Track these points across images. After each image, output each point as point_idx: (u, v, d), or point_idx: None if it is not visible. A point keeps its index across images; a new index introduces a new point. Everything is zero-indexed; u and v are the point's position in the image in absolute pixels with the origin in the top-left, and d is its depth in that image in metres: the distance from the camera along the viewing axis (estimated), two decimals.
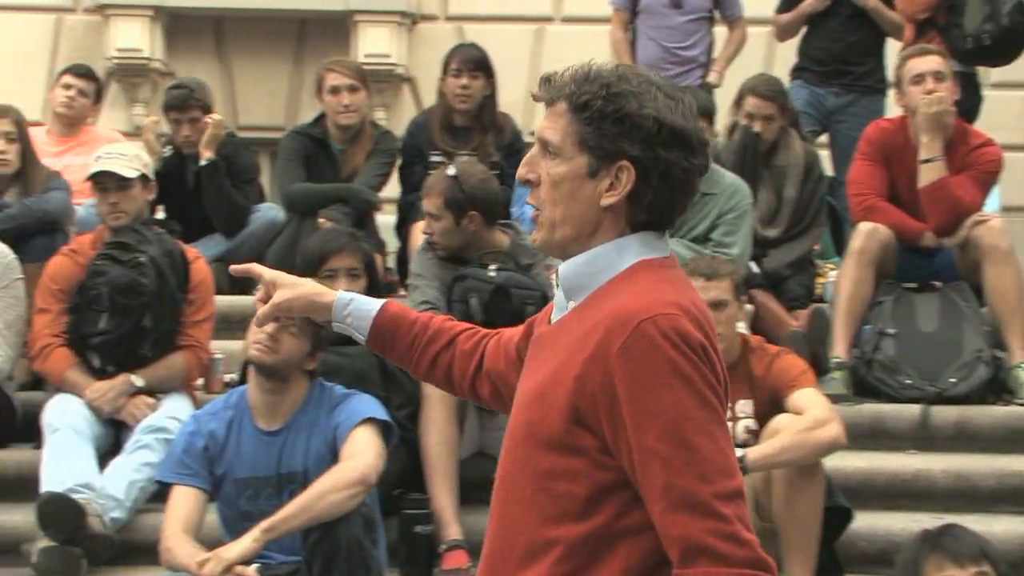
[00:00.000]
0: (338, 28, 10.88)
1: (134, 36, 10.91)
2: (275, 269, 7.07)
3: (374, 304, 2.80)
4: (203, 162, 7.05)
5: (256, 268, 2.85)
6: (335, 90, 6.99)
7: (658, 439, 2.28)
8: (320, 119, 7.16)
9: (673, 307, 2.34)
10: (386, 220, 7.18)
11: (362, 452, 4.66)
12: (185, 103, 7.11)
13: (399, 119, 10.35)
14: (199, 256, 6.09)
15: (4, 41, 11.03)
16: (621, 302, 2.36)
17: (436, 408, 5.42)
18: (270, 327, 4.61)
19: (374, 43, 10.70)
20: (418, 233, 6.38)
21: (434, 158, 6.96)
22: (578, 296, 2.45)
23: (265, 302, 2.79)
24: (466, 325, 2.84)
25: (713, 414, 2.31)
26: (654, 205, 2.42)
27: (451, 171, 5.76)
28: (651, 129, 2.38)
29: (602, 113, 2.38)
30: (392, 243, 7.26)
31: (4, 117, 6.49)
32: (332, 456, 4.71)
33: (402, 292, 6.94)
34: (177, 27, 11.16)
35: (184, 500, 4.74)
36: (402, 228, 7.17)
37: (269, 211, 7.31)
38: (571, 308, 2.46)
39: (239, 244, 7.18)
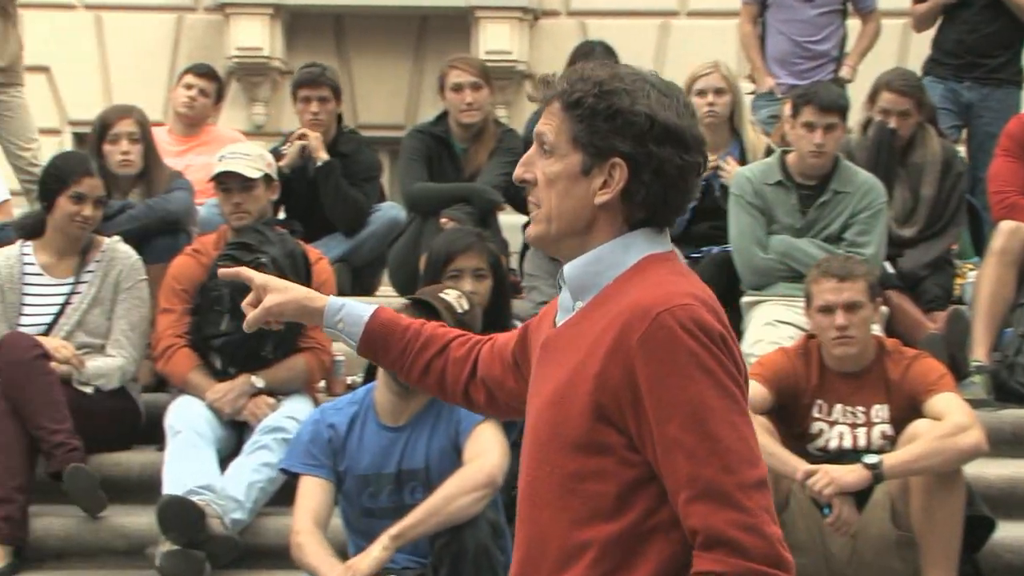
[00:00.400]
0: (459, 24, 10.92)
1: (254, 35, 11.05)
2: (397, 269, 7.13)
3: (366, 310, 2.80)
4: (319, 163, 7.11)
5: (246, 272, 2.86)
6: (458, 88, 7.01)
7: (681, 430, 2.31)
8: (442, 117, 7.19)
9: (690, 297, 2.36)
10: (509, 220, 7.18)
11: (487, 452, 4.64)
12: (316, 80, 7.19)
13: (520, 117, 10.35)
14: (321, 257, 6.14)
15: (125, 41, 11.23)
16: (637, 295, 2.38)
17: None
18: None
19: (495, 39, 10.73)
20: None
21: None
22: (585, 296, 2.47)
23: (255, 306, 2.79)
24: (458, 332, 2.86)
25: (735, 404, 2.34)
26: (648, 202, 2.44)
27: None
28: (643, 126, 2.40)
29: (594, 110, 2.41)
30: (516, 243, 7.26)
31: (127, 117, 6.59)
32: (454, 452, 4.70)
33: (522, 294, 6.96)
34: (297, 25, 11.28)
35: (313, 492, 4.73)
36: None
37: (390, 210, 7.35)
38: (579, 308, 2.48)
39: (360, 244, 7.23)
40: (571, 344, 2.45)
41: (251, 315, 2.80)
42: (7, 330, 5.68)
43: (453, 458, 4.69)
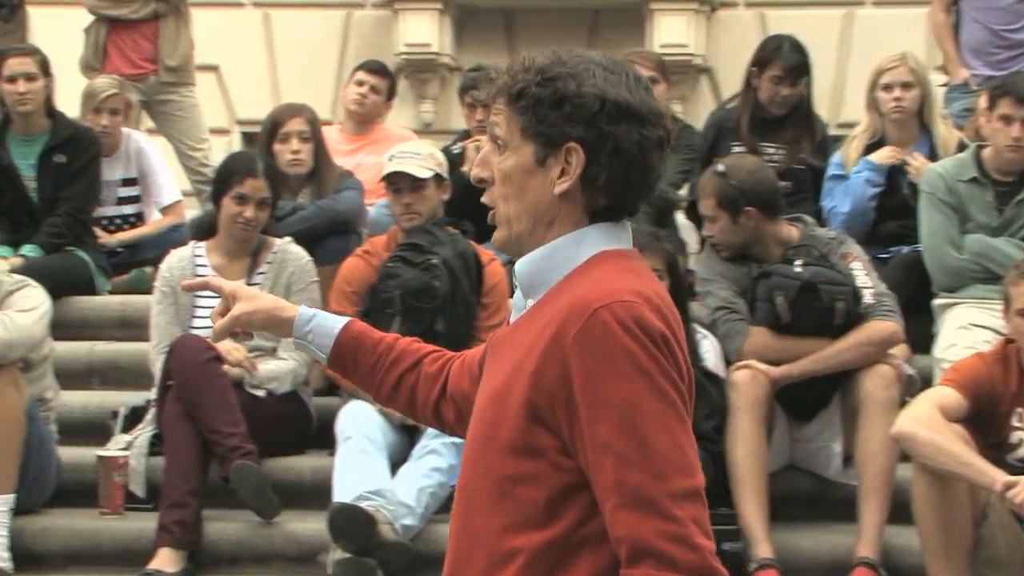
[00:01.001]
0: (633, 17, 10.89)
1: (423, 30, 11.13)
2: None
3: (338, 321, 2.75)
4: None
5: (214, 281, 2.84)
6: None
7: (611, 433, 2.24)
8: None
9: (633, 295, 2.30)
10: (682, 222, 7.13)
11: None
12: (481, 85, 7.21)
13: (696, 112, 10.30)
14: (494, 258, 6.15)
15: (294, 38, 11.41)
16: (579, 291, 2.32)
17: (743, 419, 5.37)
18: None
19: (671, 32, 10.68)
20: None
21: (736, 149, 6.89)
22: (536, 293, 2.42)
23: (223, 315, 2.76)
24: (432, 347, 2.80)
25: (672, 409, 2.27)
26: (610, 186, 2.38)
27: (720, 168, 5.70)
28: (592, 106, 2.35)
29: (538, 99, 2.37)
30: (694, 243, 7.21)
31: (298, 116, 6.68)
32: None
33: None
34: (466, 20, 11.35)
35: None
36: None
37: None
38: (529, 306, 2.43)
39: None
40: (515, 343, 2.39)
41: (218, 324, 2.77)
42: (180, 332, 5.80)
43: None
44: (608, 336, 2.26)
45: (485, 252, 6.07)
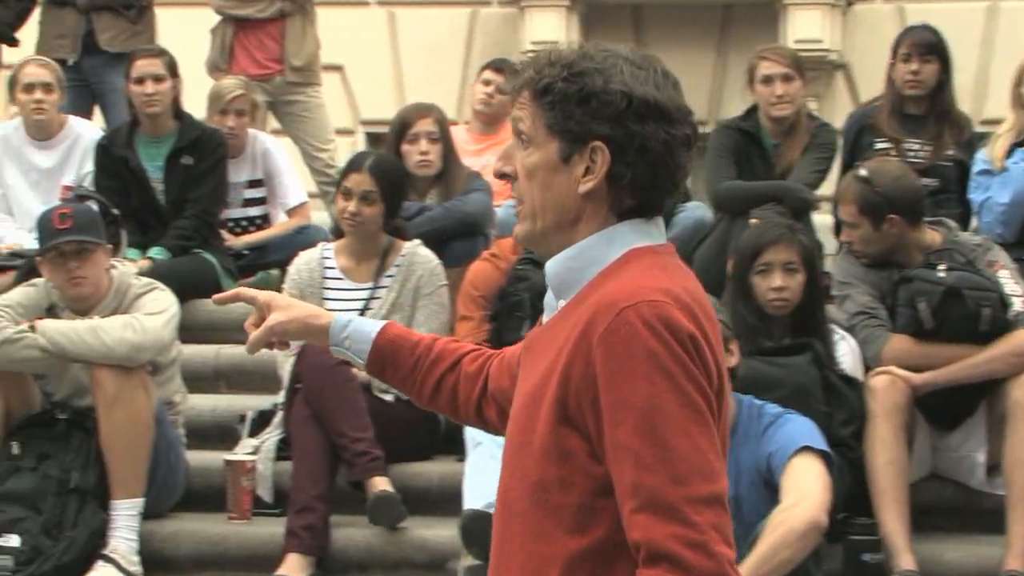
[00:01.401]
0: (766, 13, 10.81)
1: (550, 28, 11.12)
2: (704, 272, 7.12)
3: (374, 326, 2.77)
4: None
5: (247, 292, 2.84)
6: (768, 80, 6.93)
7: (631, 434, 2.23)
8: (751, 112, 7.12)
9: (661, 294, 2.28)
10: (824, 220, 7.06)
11: (809, 494, 4.46)
12: None
13: (832, 110, 10.20)
14: None
15: (418, 37, 11.47)
16: (608, 289, 2.32)
17: (883, 426, 5.30)
18: None
19: (805, 28, 10.58)
20: None
21: (879, 145, 6.81)
22: (567, 294, 2.41)
23: (258, 327, 2.76)
24: (471, 346, 2.81)
25: (695, 413, 2.25)
26: (636, 185, 2.37)
27: (862, 172, 5.62)
28: (620, 104, 2.34)
29: (565, 95, 2.36)
30: (831, 245, 7.14)
31: (427, 116, 6.70)
32: (764, 485, 4.60)
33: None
34: (594, 17, 11.33)
35: None
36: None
37: (696, 210, 7.30)
38: (561, 307, 2.42)
39: None
40: (547, 345, 2.39)
41: (254, 335, 2.78)
42: None
43: (764, 491, 4.56)
44: (632, 336, 2.25)
45: None
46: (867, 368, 5.57)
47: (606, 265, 2.37)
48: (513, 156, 2.45)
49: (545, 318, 2.48)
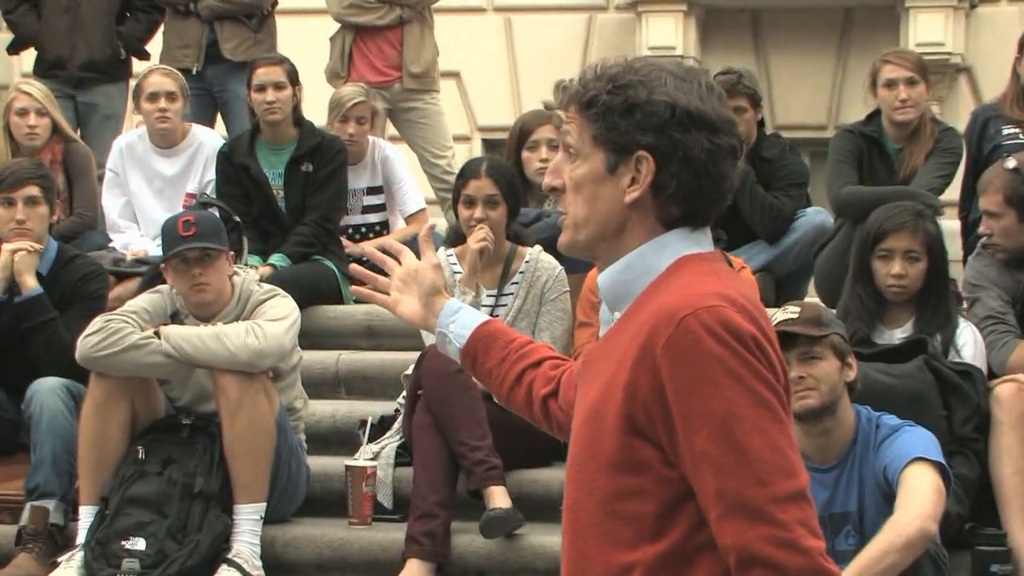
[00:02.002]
0: (887, 16, 10.71)
1: (667, 33, 11.11)
2: (825, 278, 7.00)
3: (480, 317, 2.89)
4: None
5: (393, 243, 3.02)
6: (891, 84, 6.85)
7: (708, 442, 2.26)
8: (874, 116, 7.04)
9: (718, 298, 2.31)
10: (950, 225, 6.97)
11: (919, 503, 4.39)
12: (732, 90, 7.15)
13: (955, 113, 10.07)
14: (744, 266, 6.11)
15: (535, 43, 11.50)
16: (664, 299, 2.35)
17: (1009, 435, 5.22)
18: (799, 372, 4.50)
19: (927, 31, 10.47)
20: None
21: (1007, 130, 6.70)
22: (622, 305, 2.46)
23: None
24: (558, 354, 2.89)
25: (768, 411, 2.28)
26: (681, 195, 2.40)
27: (1010, 163, 5.55)
28: (663, 114, 2.39)
29: (609, 106, 2.41)
30: (953, 251, 7.04)
31: (547, 124, 6.71)
32: (883, 496, 4.54)
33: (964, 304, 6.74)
34: (712, 22, 11.30)
35: None
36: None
37: (816, 216, 7.25)
38: (616, 319, 2.46)
39: (784, 252, 7.16)
40: (606, 357, 2.42)
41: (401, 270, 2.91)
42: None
43: (885, 502, 4.49)
44: (696, 345, 2.28)
45: (736, 260, 6.02)
46: (991, 375, 5.48)
47: (657, 274, 2.42)
48: (562, 170, 2.49)
49: (602, 332, 2.50)
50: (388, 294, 2.92)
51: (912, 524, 4.34)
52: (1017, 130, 6.69)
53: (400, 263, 2.91)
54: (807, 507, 2.28)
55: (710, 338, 2.27)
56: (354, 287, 3.03)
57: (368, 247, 3.04)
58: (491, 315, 5.89)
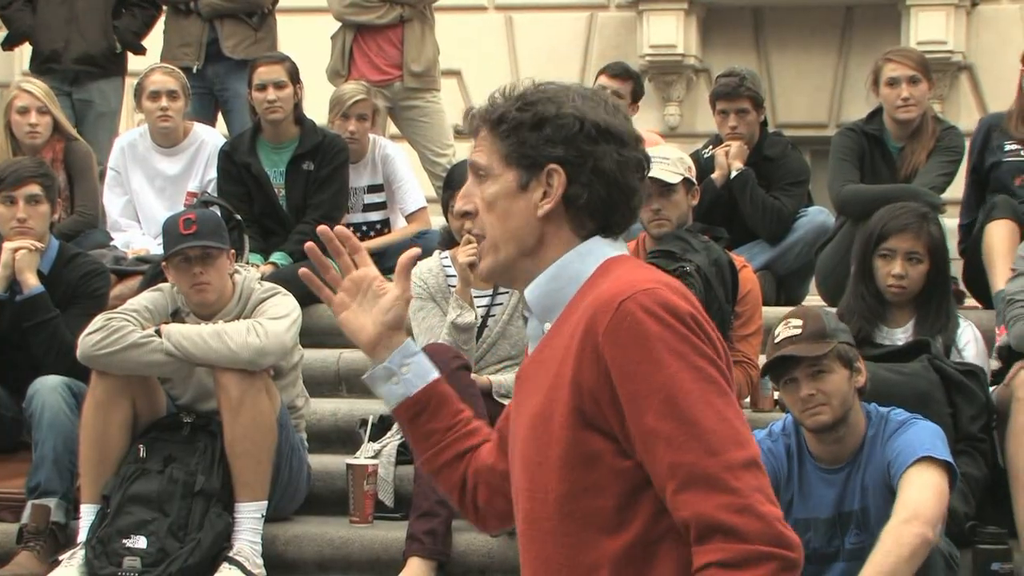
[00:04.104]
0: (888, 14, 10.72)
1: (668, 32, 11.12)
2: (826, 277, 6.98)
3: (434, 371, 2.71)
4: (734, 172, 7.09)
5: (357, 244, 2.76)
6: (894, 82, 6.85)
7: (657, 418, 2.29)
8: (876, 114, 7.05)
9: (652, 283, 2.36)
10: (952, 224, 6.97)
11: (920, 511, 4.32)
12: (735, 92, 7.16)
13: (956, 112, 10.09)
14: (746, 264, 6.11)
15: (536, 41, 11.52)
16: (599, 290, 2.39)
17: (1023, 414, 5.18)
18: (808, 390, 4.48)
19: (929, 29, 10.48)
20: (997, 240, 6.19)
21: (1009, 147, 6.69)
22: (551, 316, 2.49)
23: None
24: (478, 440, 2.72)
25: (712, 385, 2.32)
26: (593, 206, 2.45)
27: None
28: (572, 127, 2.44)
29: (519, 122, 2.45)
30: (954, 250, 7.05)
31: None
32: (889, 492, 4.53)
33: (970, 302, 6.73)
34: (713, 20, 11.31)
35: None
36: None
37: (818, 215, 7.26)
38: (547, 331, 2.49)
39: (785, 251, 7.17)
40: (543, 366, 2.44)
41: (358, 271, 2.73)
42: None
43: (890, 499, 4.46)
44: (637, 325, 2.32)
45: (738, 259, 6.02)
46: (1003, 356, 5.45)
47: (584, 279, 2.46)
48: (473, 194, 2.52)
49: (531, 348, 2.55)
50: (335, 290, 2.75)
51: (913, 533, 4.28)
52: (1019, 147, 6.66)
53: (356, 264, 2.74)
54: (761, 475, 2.32)
55: (649, 318, 2.32)
56: (302, 270, 2.85)
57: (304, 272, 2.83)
58: (487, 314, 5.93)
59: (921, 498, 4.35)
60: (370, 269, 2.74)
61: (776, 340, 4.51)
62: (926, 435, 4.52)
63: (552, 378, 2.41)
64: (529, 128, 2.46)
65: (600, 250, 2.48)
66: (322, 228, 2.75)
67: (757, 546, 2.26)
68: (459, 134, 7.41)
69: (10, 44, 8.91)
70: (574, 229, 2.48)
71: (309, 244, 2.80)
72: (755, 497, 2.28)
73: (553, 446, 2.39)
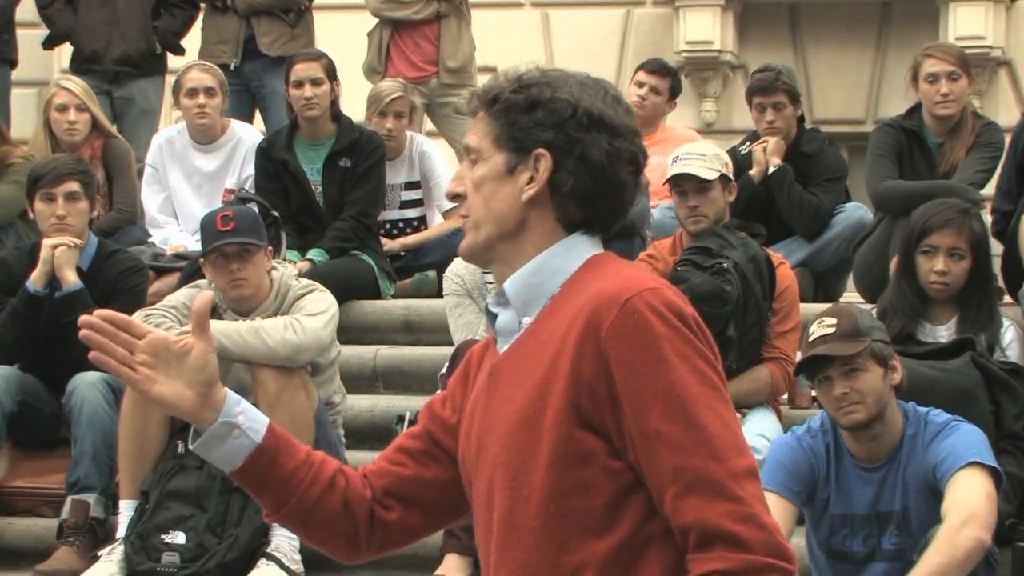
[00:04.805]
0: (926, 9, 10.66)
1: (704, 28, 11.09)
2: (864, 274, 6.95)
3: (263, 417, 2.52)
4: (771, 168, 7.07)
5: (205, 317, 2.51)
6: (933, 78, 6.81)
7: (661, 420, 2.25)
8: (915, 110, 7.01)
9: (656, 282, 2.34)
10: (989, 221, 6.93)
11: (975, 513, 4.28)
12: (771, 87, 7.14)
13: (995, 107, 10.04)
14: (784, 261, 6.09)
15: (572, 38, 11.49)
16: (599, 287, 2.33)
17: None
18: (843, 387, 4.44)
19: (967, 24, 10.43)
20: None
21: None
22: (532, 310, 2.43)
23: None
24: (337, 464, 2.58)
25: (714, 390, 2.29)
26: (578, 195, 2.40)
27: None
28: (564, 112, 2.40)
29: (512, 103, 2.42)
30: (995, 246, 7.00)
31: None
32: (931, 494, 4.50)
33: (1008, 299, 6.70)
34: (749, 16, 11.27)
35: (781, 516, 4.36)
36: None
37: (856, 211, 7.23)
38: (526, 324, 2.42)
39: (822, 247, 7.15)
40: (527, 361, 2.38)
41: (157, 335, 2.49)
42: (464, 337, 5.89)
43: (931, 501, 4.44)
44: (644, 325, 2.28)
45: (775, 255, 6.00)
46: None
47: (568, 275, 2.41)
48: (464, 177, 2.49)
49: (503, 345, 2.47)
50: (133, 368, 2.45)
51: (970, 536, 4.25)
52: None
53: (135, 336, 2.46)
54: (759, 485, 2.30)
55: (656, 318, 2.28)
56: (92, 353, 2.47)
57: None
58: None
59: (977, 501, 4.32)
60: (157, 332, 2.50)
61: (810, 339, 4.49)
62: (973, 440, 4.48)
63: (543, 373, 2.35)
64: (521, 110, 2.43)
65: (583, 246, 2.43)
66: (85, 320, 2.47)
67: (760, 557, 2.23)
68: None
69: (51, 44, 8.95)
70: (558, 217, 2.43)
71: (84, 333, 2.46)
72: (758, 507, 2.26)
73: (542, 444, 2.33)
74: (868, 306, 5.99)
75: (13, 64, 8.61)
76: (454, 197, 2.52)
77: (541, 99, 2.42)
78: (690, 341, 2.29)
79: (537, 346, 2.39)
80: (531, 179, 2.42)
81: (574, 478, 2.32)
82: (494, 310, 2.48)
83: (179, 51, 8.68)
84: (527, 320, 2.44)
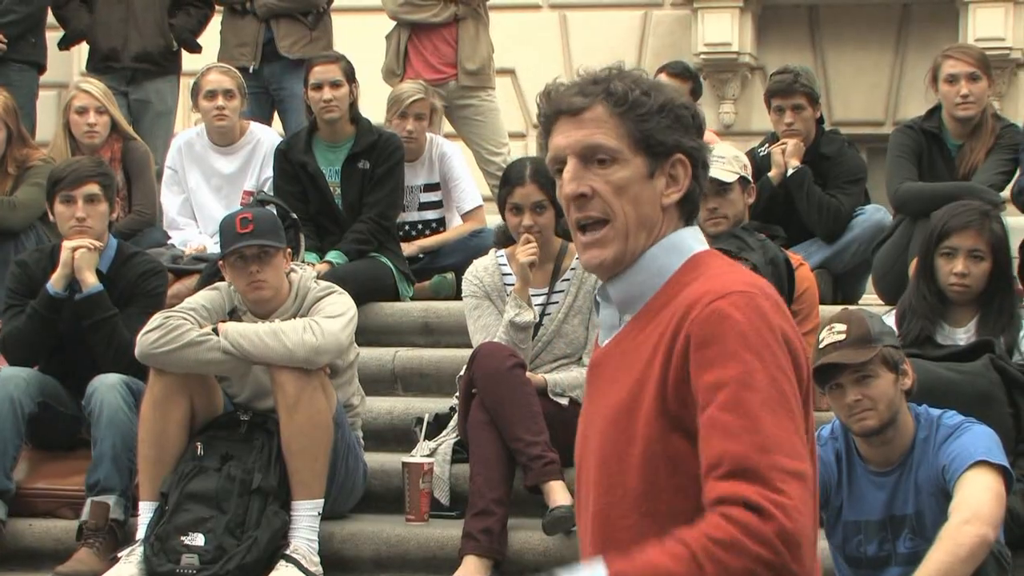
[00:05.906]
0: (946, 11, 10.64)
1: (723, 30, 11.08)
2: (883, 276, 6.96)
3: None
4: (791, 170, 7.06)
5: None
6: (953, 79, 6.80)
7: (719, 409, 2.23)
8: (934, 112, 7.00)
9: (749, 286, 2.32)
10: (1013, 222, 6.90)
11: (980, 512, 4.27)
12: (789, 89, 7.13)
13: (1015, 109, 10.01)
14: (803, 262, 6.07)
15: (590, 40, 11.49)
16: (694, 288, 2.35)
17: None
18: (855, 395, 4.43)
19: (987, 26, 10.41)
20: None
21: None
22: (634, 307, 2.44)
23: None
24: None
25: (782, 397, 2.24)
26: (695, 197, 2.45)
27: None
28: (688, 118, 2.43)
29: (650, 108, 2.40)
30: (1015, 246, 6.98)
31: None
32: (944, 496, 4.48)
33: None
34: (768, 18, 11.25)
35: None
36: None
37: (875, 213, 7.22)
38: (627, 322, 2.44)
39: (842, 249, 7.14)
40: (625, 359, 2.39)
41: None
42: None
43: (944, 503, 4.41)
44: (722, 319, 2.28)
45: (794, 257, 5.99)
46: None
47: (672, 273, 2.42)
48: (583, 177, 2.42)
49: (604, 338, 2.49)
50: None
51: (973, 533, 4.23)
52: None
53: None
54: (808, 492, 2.22)
55: (738, 314, 2.28)
56: None
57: None
58: (543, 312, 5.92)
59: (981, 499, 4.30)
60: None
61: (821, 346, 4.47)
62: (982, 439, 4.47)
63: (638, 373, 2.36)
64: (659, 114, 2.41)
65: (687, 243, 2.44)
66: None
67: (770, 534, 2.16)
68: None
69: (66, 44, 8.96)
70: (680, 217, 2.46)
71: None
72: (795, 502, 2.18)
73: (634, 445, 2.35)
74: (886, 308, 5.98)
75: (42, 69, 8.62)
76: (579, 197, 2.46)
77: (668, 103, 2.43)
78: (769, 345, 2.28)
79: (634, 345, 2.40)
80: (667, 183, 2.43)
81: (667, 481, 2.33)
82: (599, 299, 2.51)
83: (196, 48, 8.68)
84: (627, 317, 2.46)
